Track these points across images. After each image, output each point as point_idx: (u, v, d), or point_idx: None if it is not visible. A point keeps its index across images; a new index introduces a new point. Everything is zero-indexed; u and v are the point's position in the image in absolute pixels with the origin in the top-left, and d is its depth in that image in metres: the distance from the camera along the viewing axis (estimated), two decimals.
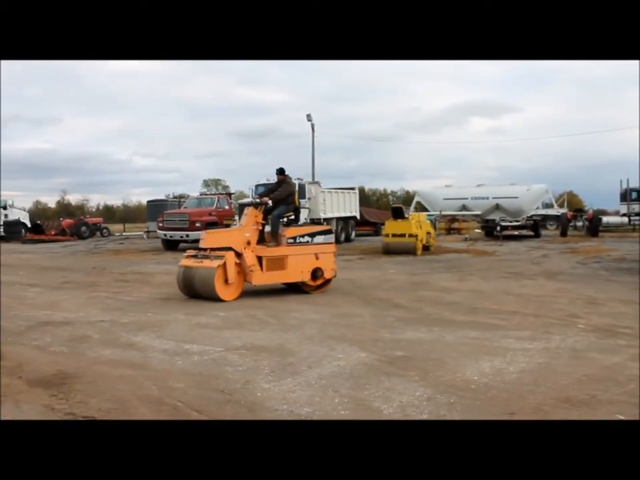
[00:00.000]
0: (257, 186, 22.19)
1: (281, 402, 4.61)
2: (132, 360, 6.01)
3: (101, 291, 11.20)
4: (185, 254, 10.17)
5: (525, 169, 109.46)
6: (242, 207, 20.95)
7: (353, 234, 26.57)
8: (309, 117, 38.08)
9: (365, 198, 62.59)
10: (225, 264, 9.42)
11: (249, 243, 9.93)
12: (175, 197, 42.85)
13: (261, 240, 10.38)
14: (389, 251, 19.02)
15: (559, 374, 5.24)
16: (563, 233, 29.25)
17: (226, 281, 9.47)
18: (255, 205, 10.50)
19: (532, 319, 7.80)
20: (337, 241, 23.75)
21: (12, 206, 35.95)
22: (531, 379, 5.10)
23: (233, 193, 36.38)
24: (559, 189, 56.33)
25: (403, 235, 18.99)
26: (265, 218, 10.49)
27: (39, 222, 35.79)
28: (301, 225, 11.35)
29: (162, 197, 43.96)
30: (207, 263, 9.55)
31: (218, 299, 9.33)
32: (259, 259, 9.94)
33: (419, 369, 5.48)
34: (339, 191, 25.36)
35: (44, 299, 10.41)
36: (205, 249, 9.84)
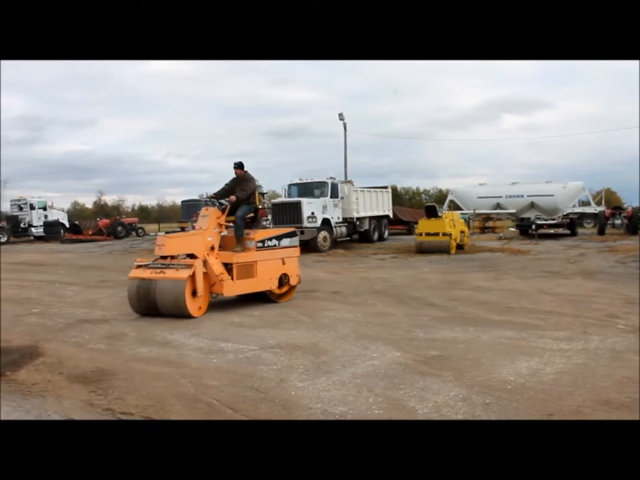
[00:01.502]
0: (289, 185, 22.23)
1: (315, 401, 4.63)
2: (168, 358, 6.10)
3: None
4: (136, 263, 8.79)
5: (561, 166, 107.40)
6: (275, 207, 21.10)
7: (386, 233, 26.42)
8: (340, 116, 37.97)
9: (398, 197, 62.30)
10: (194, 274, 8.20)
11: (212, 249, 8.81)
12: (208, 197, 43.19)
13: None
14: (422, 249, 18.88)
15: (599, 375, 5.14)
16: (601, 231, 28.58)
17: (194, 293, 8.24)
18: (217, 206, 9.30)
19: (569, 319, 7.66)
20: (370, 240, 23.82)
21: (51, 207, 36.92)
22: (569, 380, 5.01)
23: (266, 193, 36.50)
24: (596, 186, 54.99)
25: (436, 234, 18.83)
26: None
27: (76, 222, 36.55)
28: (264, 228, 10.51)
29: (196, 196, 44.39)
30: (171, 273, 8.21)
31: (185, 316, 8.09)
32: (226, 266, 8.79)
33: (454, 368, 5.44)
34: (372, 189, 25.25)
35: (82, 297, 10.64)
36: (165, 257, 8.51)
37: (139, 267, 8.60)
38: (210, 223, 8.92)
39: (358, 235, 23.87)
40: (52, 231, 34.12)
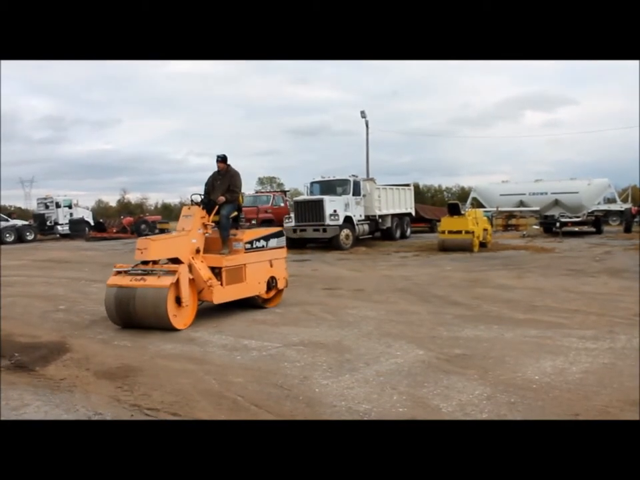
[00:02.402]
0: (312, 183, 22.23)
1: (339, 398, 4.64)
2: (192, 354, 6.17)
3: None
4: (115, 269, 7.86)
5: (585, 163, 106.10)
6: (297, 205, 21.11)
7: (409, 231, 26.31)
8: (362, 114, 37.96)
9: (420, 194, 61.89)
10: (178, 281, 7.37)
11: (197, 252, 8.04)
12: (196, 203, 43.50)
13: None
14: (445, 247, 18.77)
15: (626, 375, 5.07)
16: (627, 229, 28.11)
17: (179, 302, 7.42)
18: (205, 205, 8.46)
19: (595, 318, 7.57)
20: (392, 238, 23.73)
21: (77, 205, 37.40)
22: (596, 380, 4.96)
23: (288, 191, 36.66)
24: (622, 183, 54.34)
25: (459, 232, 18.70)
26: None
27: (101, 220, 37.00)
28: (251, 228, 9.81)
29: None
30: (152, 280, 7.36)
31: (168, 328, 7.29)
32: (213, 270, 8.10)
33: (478, 367, 5.41)
34: (394, 187, 25.16)
35: None
36: (146, 262, 7.63)
37: (118, 273, 7.74)
38: (194, 224, 8.12)
39: (380, 232, 23.80)
40: (77, 228, 34.60)
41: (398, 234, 24.75)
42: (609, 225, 34.41)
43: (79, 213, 36.84)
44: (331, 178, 22.21)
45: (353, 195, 21.24)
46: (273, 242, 9.05)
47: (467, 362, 5.61)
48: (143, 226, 35.25)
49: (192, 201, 8.68)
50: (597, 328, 6.96)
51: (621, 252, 17.54)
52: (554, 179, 38.44)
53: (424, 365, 5.55)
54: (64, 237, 35.13)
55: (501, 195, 37.39)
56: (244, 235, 8.64)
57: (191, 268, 7.78)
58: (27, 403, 4.64)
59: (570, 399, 4.50)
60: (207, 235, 8.35)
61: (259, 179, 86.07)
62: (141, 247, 7.62)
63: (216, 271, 8.12)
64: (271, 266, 8.99)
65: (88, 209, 40.78)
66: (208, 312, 8.40)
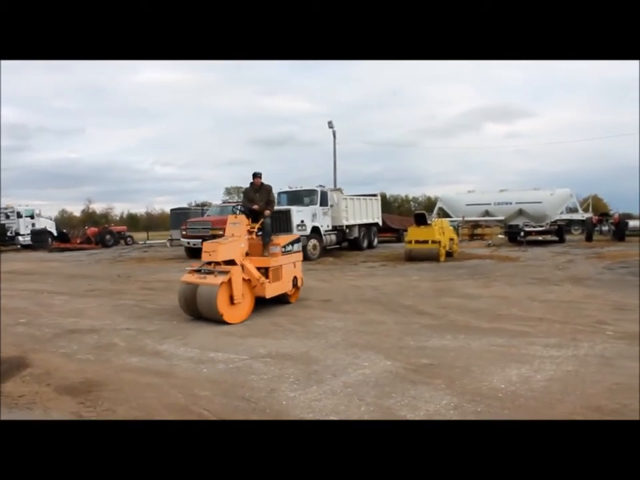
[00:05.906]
0: (279, 193, 22.17)
1: (306, 410, 4.61)
2: (158, 368, 6.06)
3: (126, 299, 11.30)
4: (188, 268, 9.15)
5: (548, 173, 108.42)
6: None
7: (376, 240, 26.43)
8: (330, 124, 38.16)
9: (387, 204, 62.38)
10: (230, 280, 8.46)
11: (246, 254, 9.30)
12: (197, 205, 43.00)
13: None
14: (412, 257, 18.89)
15: (589, 382, 5.16)
16: (589, 238, 28.80)
17: (232, 300, 8.48)
18: (249, 215, 9.93)
19: (559, 326, 7.69)
20: (360, 248, 23.81)
21: (39, 215, 36.62)
22: (560, 388, 5.03)
23: None
24: (583, 193, 55.73)
25: (425, 242, 18.85)
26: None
27: (64, 230, 36.29)
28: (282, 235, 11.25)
29: (185, 205, 44.17)
30: (210, 279, 8.50)
31: (222, 322, 8.31)
32: (259, 269, 9.36)
33: (445, 377, 5.44)
34: (361, 197, 25.26)
35: (70, 306, 10.54)
36: (209, 263, 8.81)
37: (191, 271, 8.92)
38: (242, 230, 9.32)
39: (347, 242, 23.86)
40: (39, 239, 33.81)
41: (365, 244, 24.85)
42: (571, 233, 35.25)
43: (41, 223, 36.03)
44: (298, 188, 22.20)
45: (321, 205, 21.24)
46: (296, 246, 10.54)
47: (433, 372, 5.63)
48: (108, 236, 34.75)
49: (238, 210, 10.27)
50: (560, 336, 7.07)
51: (583, 260, 17.91)
52: (518, 189, 39.23)
53: (391, 375, 5.56)
54: (25, 247, 34.25)
55: (467, 204, 37.96)
56: (279, 240, 10.11)
57: (243, 268, 8.92)
58: None
59: (535, 407, 4.55)
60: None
61: (226, 188, 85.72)
62: (208, 250, 8.73)
63: (261, 271, 9.42)
64: (294, 267, 10.43)
65: (51, 219, 39.90)
66: (174, 324, 8.30)
